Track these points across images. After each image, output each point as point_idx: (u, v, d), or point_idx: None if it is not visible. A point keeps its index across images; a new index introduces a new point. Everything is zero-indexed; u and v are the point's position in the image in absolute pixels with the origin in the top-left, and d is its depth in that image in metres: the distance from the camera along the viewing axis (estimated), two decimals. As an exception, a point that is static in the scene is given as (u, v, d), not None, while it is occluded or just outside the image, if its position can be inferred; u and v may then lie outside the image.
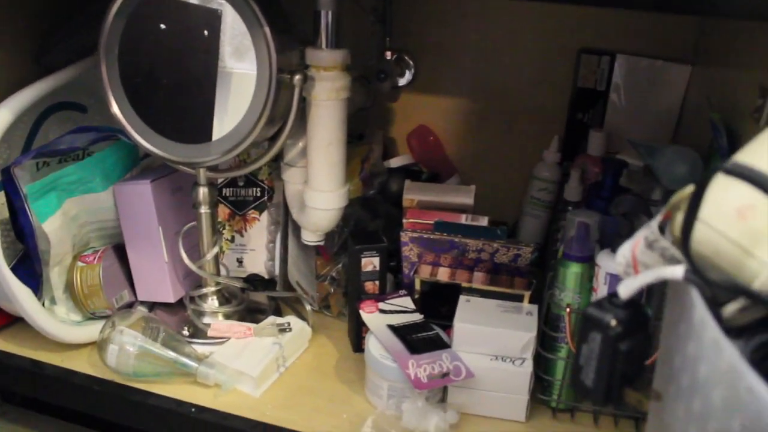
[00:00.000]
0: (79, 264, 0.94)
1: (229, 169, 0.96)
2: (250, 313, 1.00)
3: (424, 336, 0.86)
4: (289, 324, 0.94)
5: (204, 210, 0.92)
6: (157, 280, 0.97)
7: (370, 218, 1.05)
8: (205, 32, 0.81)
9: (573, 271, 0.82)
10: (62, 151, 0.93)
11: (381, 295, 0.93)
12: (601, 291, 0.80)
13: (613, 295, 0.50)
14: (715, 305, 0.42)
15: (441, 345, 0.85)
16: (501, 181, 1.16)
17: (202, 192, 0.91)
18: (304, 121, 0.87)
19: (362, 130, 1.15)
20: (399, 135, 1.20)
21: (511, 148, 1.15)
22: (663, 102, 1.05)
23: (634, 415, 0.83)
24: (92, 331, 0.92)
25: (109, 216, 0.97)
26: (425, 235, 0.92)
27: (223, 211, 1.05)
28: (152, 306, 1.00)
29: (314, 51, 0.84)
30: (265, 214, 1.05)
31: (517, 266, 0.91)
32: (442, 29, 1.12)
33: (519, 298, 0.89)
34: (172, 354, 0.87)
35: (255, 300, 1.04)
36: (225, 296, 0.99)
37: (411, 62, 1.15)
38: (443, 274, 0.93)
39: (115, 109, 0.86)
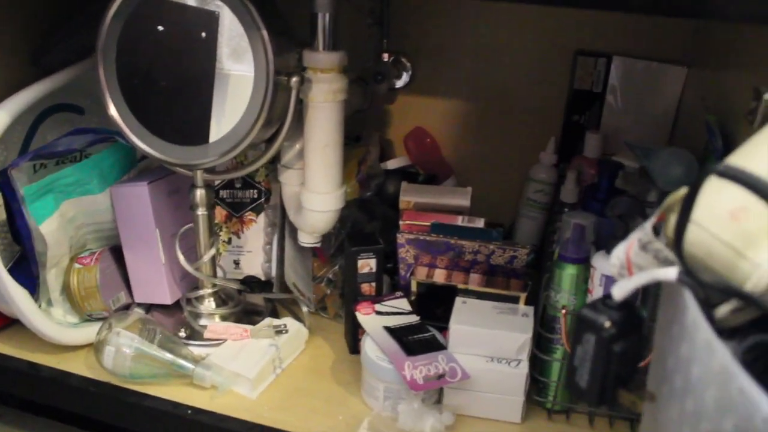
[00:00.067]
0: (76, 266, 0.94)
1: (226, 171, 0.96)
2: (247, 315, 1.00)
3: (420, 337, 0.86)
4: (285, 326, 0.94)
5: (201, 212, 0.92)
6: (154, 282, 0.97)
7: (367, 220, 1.05)
8: (203, 34, 0.81)
9: (568, 272, 0.82)
10: (59, 153, 0.93)
11: (377, 297, 0.94)
12: (597, 292, 0.81)
13: (607, 296, 0.51)
14: (707, 306, 0.42)
15: (437, 346, 0.85)
16: (498, 182, 1.16)
17: (199, 194, 0.91)
18: (301, 123, 0.87)
19: (359, 131, 1.16)
20: (396, 137, 1.20)
21: (507, 150, 1.15)
22: (659, 104, 1.05)
23: (629, 417, 0.83)
24: (89, 332, 0.92)
25: (106, 218, 0.97)
26: (422, 237, 0.92)
27: (220, 212, 1.05)
28: (149, 308, 1.00)
29: (311, 53, 0.84)
30: (262, 215, 1.05)
31: (513, 268, 0.91)
32: (439, 31, 1.12)
33: (515, 300, 0.89)
34: (168, 356, 0.87)
35: (252, 302, 1.04)
36: (222, 298, 0.99)
37: (408, 64, 1.15)
38: (439, 276, 0.93)
39: (112, 111, 0.86)
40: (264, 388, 0.88)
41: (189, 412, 0.84)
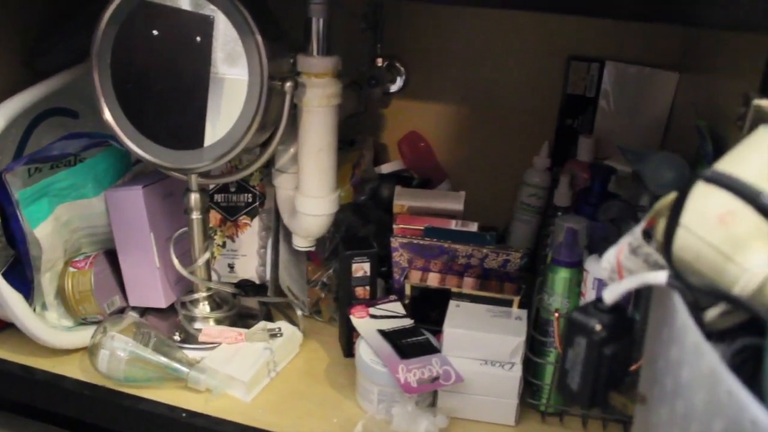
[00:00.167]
0: (71, 269, 0.94)
1: (221, 175, 0.96)
2: (242, 319, 1.00)
3: (414, 341, 0.87)
4: (280, 329, 0.95)
5: (195, 216, 0.92)
6: (148, 286, 0.97)
7: (361, 224, 1.06)
8: (198, 38, 0.81)
9: (561, 276, 0.83)
10: (54, 157, 0.93)
11: (371, 301, 0.94)
12: (590, 296, 0.81)
13: (598, 300, 0.51)
14: (696, 310, 0.43)
15: (431, 350, 0.85)
16: (491, 186, 1.17)
17: (194, 198, 0.91)
18: (295, 127, 0.87)
19: (353, 136, 1.16)
20: (390, 141, 1.21)
21: (501, 154, 1.16)
22: (651, 108, 1.06)
23: (622, 419, 0.84)
24: (83, 336, 0.92)
25: (100, 222, 0.97)
26: (415, 241, 0.93)
27: (214, 216, 1.05)
28: (143, 311, 1.00)
29: (305, 58, 0.84)
30: (256, 219, 1.05)
31: (507, 271, 0.92)
32: (433, 36, 1.13)
33: (508, 303, 0.90)
34: (163, 359, 0.87)
35: (246, 305, 1.04)
36: (216, 301, 1.00)
37: (402, 69, 1.15)
38: (433, 280, 0.94)
39: (107, 115, 0.86)
40: (258, 391, 0.89)
41: (184, 415, 0.84)
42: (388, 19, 1.12)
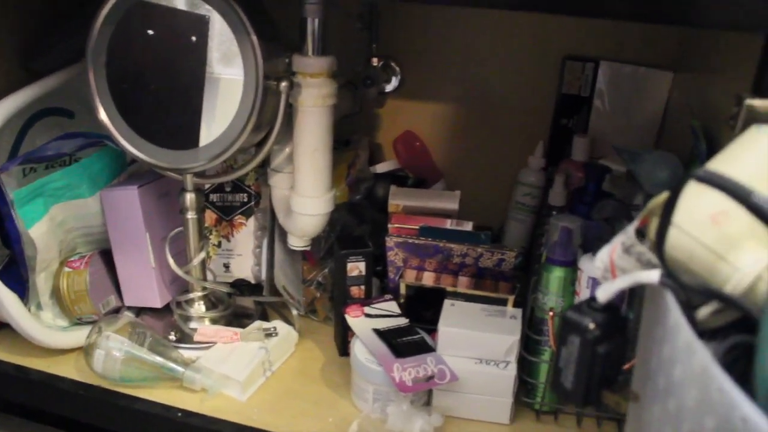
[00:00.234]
0: (66, 269, 0.94)
1: (216, 175, 0.96)
2: (237, 318, 1.00)
3: (409, 340, 0.87)
4: (275, 328, 0.95)
5: (191, 215, 0.92)
6: (143, 286, 0.97)
7: (357, 223, 1.06)
8: (193, 38, 0.81)
9: (556, 275, 0.83)
10: (49, 157, 0.93)
11: (367, 300, 0.94)
12: (584, 295, 0.81)
13: (592, 299, 0.52)
14: (689, 308, 0.43)
15: (426, 349, 0.85)
16: (486, 186, 1.17)
17: (189, 198, 0.91)
18: (290, 127, 0.87)
19: (349, 135, 1.16)
20: (385, 141, 1.21)
21: (496, 154, 1.16)
22: (646, 108, 1.06)
23: (617, 417, 0.84)
24: (79, 336, 0.92)
25: (96, 221, 0.97)
26: (410, 240, 0.93)
27: (210, 216, 1.05)
28: (139, 311, 1.00)
29: (301, 58, 0.84)
30: (251, 219, 1.05)
31: (501, 270, 0.92)
32: (428, 36, 1.13)
33: (503, 302, 0.90)
34: (158, 359, 0.87)
35: (241, 305, 1.04)
36: (212, 301, 1.00)
37: (397, 68, 1.15)
38: (428, 279, 0.94)
39: (102, 115, 0.86)
40: (254, 390, 0.89)
41: (179, 415, 0.84)
42: (383, 19, 1.12)
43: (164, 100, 0.84)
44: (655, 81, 1.05)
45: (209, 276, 1.00)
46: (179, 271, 0.94)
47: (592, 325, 0.50)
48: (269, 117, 0.85)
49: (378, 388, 0.83)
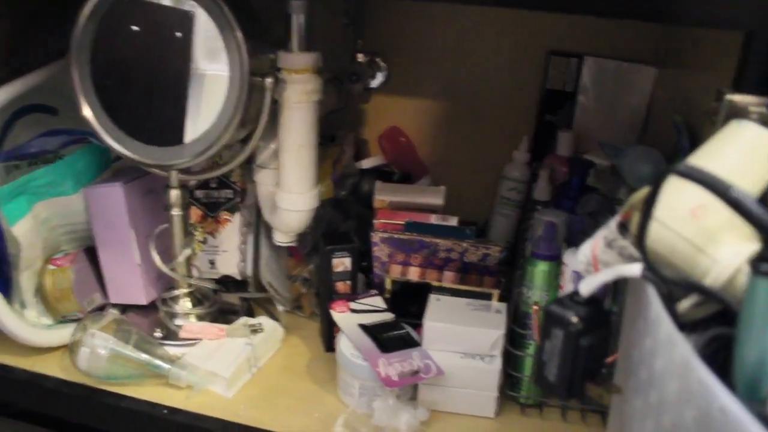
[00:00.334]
0: (50, 267, 0.93)
1: (202, 172, 0.96)
2: (223, 315, 1.00)
3: (395, 335, 0.87)
4: (261, 324, 0.95)
5: (176, 212, 0.92)
6: (129, 283, 0.97)
7: (342, 219, 1.06)
8: (178, 34, 0.81)
9: (540, 269, 0.83)
10: (33, 154, 0.93)
11: (352, 295, 0.94)
12: (568, 289, 0.82)
13: (575, 293, 0.52)
14: (670, 301, 0.44)
15: (411, 343, 0.86)
16: (472, 181, 1.17)
17: (174, 194, 0.91)
18: (275, 123, 0.87)
19: (334, 131, 1.16)
20: (371, 136, 1.21)
21: (481, 149, 1.16)
22: (630, 103, 1.07)
23: (601, 410, 0.85)
24: (63, 334, 0.92)
25: (80, 219, 0.96)
26: (396, 236, 0.93)
27: (195, 212, 1.05)
28: (124, 309, 1.00)
29: (286, 54, 0.84)
30: (237, 215, 1.05)
31: (486, 265, 0.93)
32: (413, 32, 1.13)
33: (488, 297, 0.90)
34: (144, 356, 0.87)
35: (227, 301, 1.04)
36: (197, 298, 0.99)
37: (383, 64, 1.15)
38: (413, 274, 0.94)
39: (86, 111, 0.85)
40: (240, 386, 0.89)
41: (165, 411, 0.84)
42: (368, 14, 1.12)
43: (149, 96, 0.84)
44: (639, 76, 1.05)
45: (195, 272, 1.00)
46: (164, 268, 0.94)
47: (575, 319, 0.51)
48: (254, 113, 0.85)
49: (364, 383, 0.84)
